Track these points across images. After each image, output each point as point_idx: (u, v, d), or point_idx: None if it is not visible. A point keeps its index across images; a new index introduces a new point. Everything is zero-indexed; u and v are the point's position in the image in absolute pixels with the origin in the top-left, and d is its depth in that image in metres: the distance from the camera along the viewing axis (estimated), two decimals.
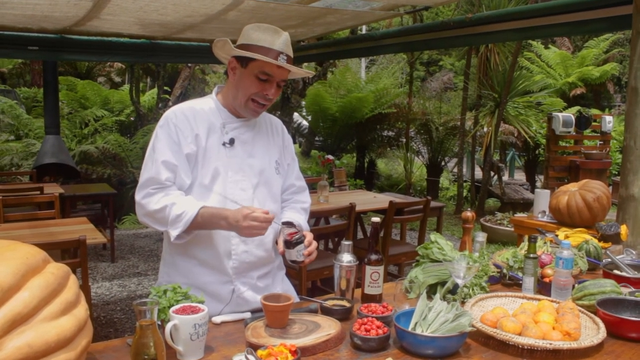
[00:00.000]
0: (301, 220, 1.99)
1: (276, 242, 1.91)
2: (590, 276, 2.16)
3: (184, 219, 1.72)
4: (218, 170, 1.83)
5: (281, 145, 2.03)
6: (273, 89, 1.82)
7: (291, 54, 1.82)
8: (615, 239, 2.87)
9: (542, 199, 3.82)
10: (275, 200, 1.97)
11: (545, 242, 2.38)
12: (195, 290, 1.71)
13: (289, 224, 1.80)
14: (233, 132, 1.87)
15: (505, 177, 10.86)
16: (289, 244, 1.76)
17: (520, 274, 2.07)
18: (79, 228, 3.63)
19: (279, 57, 1.76)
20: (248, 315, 1.74)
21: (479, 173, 9.91)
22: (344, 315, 1.73)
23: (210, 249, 1.84)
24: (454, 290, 1.87)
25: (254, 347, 1.41)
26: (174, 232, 1.73)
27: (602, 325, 1.61)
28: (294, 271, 3.73)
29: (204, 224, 1.74)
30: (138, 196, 1.79)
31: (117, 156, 8.91)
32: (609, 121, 7.75)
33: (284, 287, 2.05)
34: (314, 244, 1.81)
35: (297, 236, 1.75)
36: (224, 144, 1.84)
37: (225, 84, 1.92)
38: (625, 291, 1.86)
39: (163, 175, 1.76)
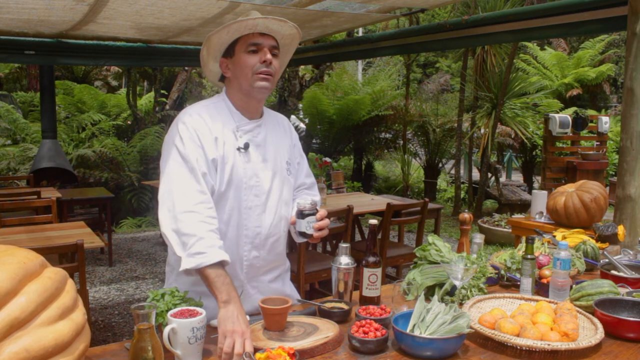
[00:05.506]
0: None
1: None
2: (587, 277, 2.17)
3: (199, 260, 1.57)
4: (233, 177, 1.77)
5: (290, 144, 1.99)
6: (268, 55, 1.76)
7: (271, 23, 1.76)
8: (612, 239, 2.88)
9: (540, 200, 3.83)
10: (287, 204, 1.93)
11: (542, 243, 2.38)
12: (194, 295, 1.69)
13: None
14: (246, 136, 1.82)
15: (503, 179, 10.88)
16: (301, 214, 1.76)
17: (518, 275, 2.07)
18: (77, 232, 3.62)
19: (255, 22, 1.72)
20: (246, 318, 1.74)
21: (476, 175, 9.92)
22: (342, 318, 1.73)
23: None
24: (452, 291, 1.87)
25: (253, 350, 1.41)
26: (185, 265, 1.59)
27: (600, 325, 1.61)
28: (292, 274, 3.72)
29: (206, 278, 1.58)
30: (180, 206, 1.64)
31: (115, 160, 8.90)
32: (606, 122, 7.76)
33: (291, 289, 2.05)
34: (327, 221, 1.80)
35: (309, 207, 1.76)
36: (238, 149, 1.79)
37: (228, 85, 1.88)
38: (622, 291, 1.86)
39: (203, 185, 1.69)
